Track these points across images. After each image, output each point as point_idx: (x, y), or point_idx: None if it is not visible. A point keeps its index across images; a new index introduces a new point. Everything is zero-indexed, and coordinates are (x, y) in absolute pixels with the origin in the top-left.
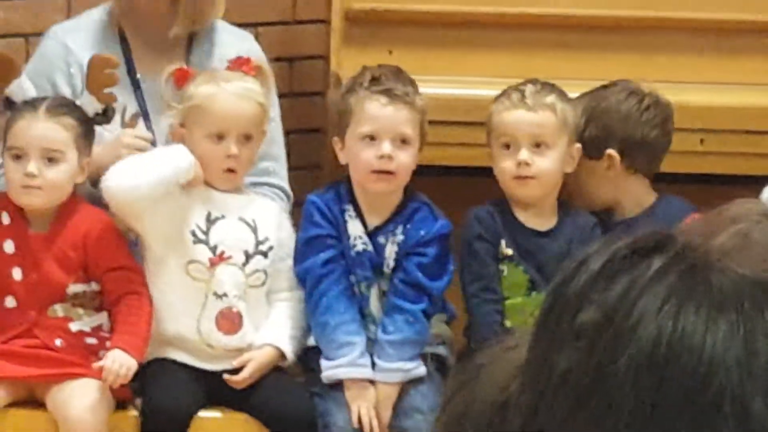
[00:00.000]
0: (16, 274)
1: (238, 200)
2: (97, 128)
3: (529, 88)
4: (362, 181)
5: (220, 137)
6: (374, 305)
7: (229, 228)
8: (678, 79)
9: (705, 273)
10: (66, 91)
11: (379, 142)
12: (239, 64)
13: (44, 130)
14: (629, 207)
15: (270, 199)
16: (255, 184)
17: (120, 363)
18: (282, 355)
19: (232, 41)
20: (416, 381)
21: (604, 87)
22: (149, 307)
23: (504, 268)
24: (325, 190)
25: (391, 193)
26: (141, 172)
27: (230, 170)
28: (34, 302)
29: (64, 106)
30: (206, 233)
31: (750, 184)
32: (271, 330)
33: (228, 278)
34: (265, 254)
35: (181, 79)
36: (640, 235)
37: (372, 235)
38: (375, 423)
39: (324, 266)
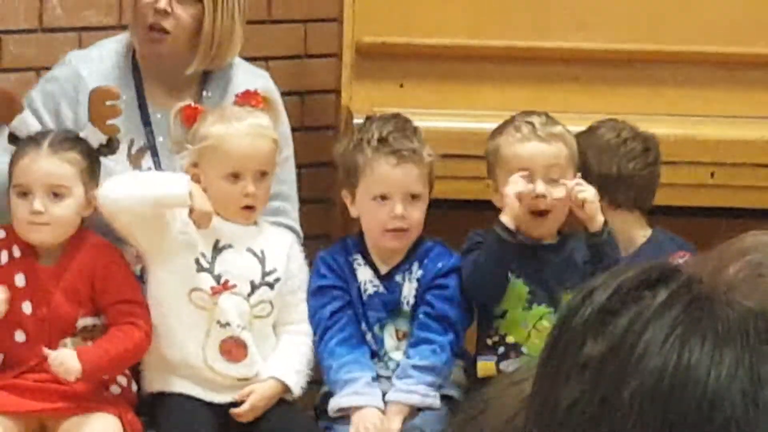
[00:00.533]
0: (26, 308)
1: (248, 231)
2: (102, 159)
3: (536, 120)
4: (376, 239)
5: (236, 176)
6: (390, 345)
7: (236, 258)
8: (688, 113)
9: (710, 305)
10: (68, 117)
11: (391, 202)
12: (247, 98)
13: (48, 166)
14: (621, 245)
15: (284, 230)
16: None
17: (64, 365)
18: (286, 389)
19: (247, 79)
20: (424, 411)
21: (589, 128)
22: (139, 339)
23: None
24: (333, 246)
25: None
26: (132, 186)
27: (248, 207)
28: (44, 336)
29: (67, 141)
30: (211, 262)
31: (761, 217)
32: (276, 363)
33: (232, 307)
34: (271, 285)
35: (191, 117)
36: (645, 267)
37: (386, 276)
38: None
39: (330, 317)
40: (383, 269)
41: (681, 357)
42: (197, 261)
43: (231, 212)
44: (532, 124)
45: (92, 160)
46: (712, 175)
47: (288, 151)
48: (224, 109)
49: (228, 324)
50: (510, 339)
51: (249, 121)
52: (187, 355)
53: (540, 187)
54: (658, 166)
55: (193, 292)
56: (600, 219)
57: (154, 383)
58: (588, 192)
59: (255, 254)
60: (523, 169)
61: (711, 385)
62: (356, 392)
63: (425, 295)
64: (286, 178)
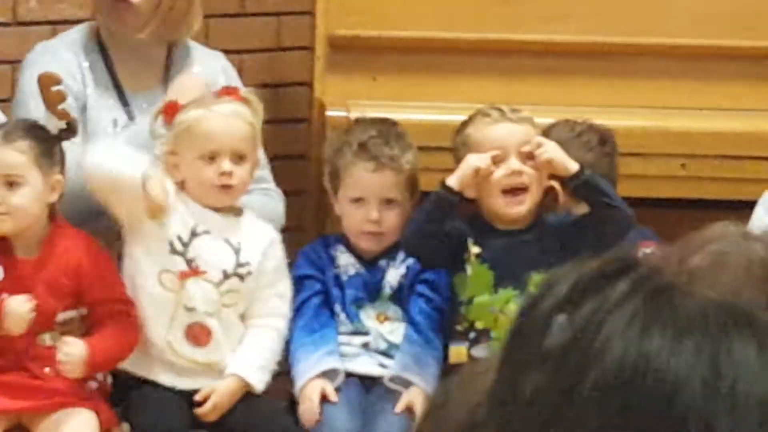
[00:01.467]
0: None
1: (229, 221)
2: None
3: (502, 107)
4: (353, 239)
5: (212, 157)
6: (366, 319)
7: (211, 245)
8: (659, 105)
9: (671, 295)
10: (71, 88)
11: (367, 206)
12: (228, 92)
13: (0, 156)
14: None
15: (267, 227)
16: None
17: (70, 364)
18: (248, 385)
19: (206, 59)
20: (392, 401)
21: (545, 129)
22: (135, 340)
23: (468, 267)
24: (315, 240)
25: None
26: (108, 158)
27: (224, 186)
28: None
29: (19, 130)
30: (186, 245)
31: (732, 209)
32: (239, 359)
33: (199, 293)
34: (242, 277)
35: (170, 112)
36: (607, 258)
37: (370, 261)
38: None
39: (299, 307)
40: (366, 257)
41: (641, 347)
42: (171, 243)
43: (208, 194)
44: (500, 109)
45: (50, 146)
46: (683, 166)
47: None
48: (202, 97)
49: (194, 309)
50: (479, 325)
51: (226, 105)
52: (153, 335)
53: (515, 163)
54: (615, 157)
55: (162, 274)
56: (573, 164)
57: (127, 364)
58: (548, 148)
59: (231, 245)
60: (495, 149)
61: (671, 374)
62: (304, 370)
63: (416, 286)
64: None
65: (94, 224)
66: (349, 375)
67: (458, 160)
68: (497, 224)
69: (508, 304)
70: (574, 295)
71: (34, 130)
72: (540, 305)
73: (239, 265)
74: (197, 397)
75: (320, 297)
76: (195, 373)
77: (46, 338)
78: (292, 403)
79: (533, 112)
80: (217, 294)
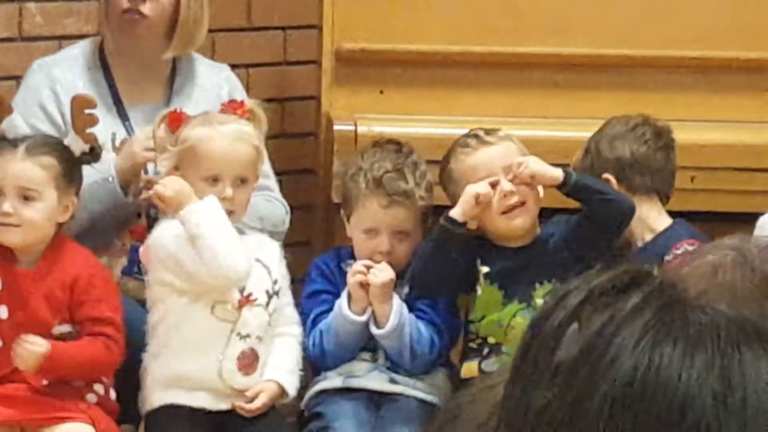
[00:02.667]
0: (2, 312)
1: (248, 242)
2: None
3: (478, 132)
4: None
5: (215, 180)
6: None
7: (253, 269)
8: (668, 117)
9: (682, 309)
10: (56, 116)
11: (378, 238)
12: (233, 107)
13: (20, 168)
14: (639, 231)
15: (268, 239)
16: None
17: (26, 351)
18: (284, 391)
19: (210, 70)
20: (401, 417)
21: (601, 126)
22: (105, 359)
23: (478, 288)
24: (326, 253)
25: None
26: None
27: (227, 212)
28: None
29: (45, 146)
30: None
31: (741, 221)
32: (275, 366)
33: (253, 319)
34: (278, 294)
35: (175, 122)
36: (618, 271)
37: None
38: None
39: (314, 321)
40: None
41: (652, 360)
42: None
43: None
44: (476, 136)
45: (70, 167)
46: (692, 179)
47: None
48: (208, 113)
49: (248, 336)
50: (491, 340)
51: (232, 125)
52: (202, 368)
53: (506, 185)
54: (672, 151)
55: (216, 306)
56: (556, 171)
57: (155, 399)
58: (528, 163)
59: (264, 265)
60: (482, 176)
61: (682, 388)
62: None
63: (415, 303)
64: (267, 172)
65: (100, 239)
66: (358, 390)
67: (451, 197)
68: (503, 243)
69: (515, 317)
70: (585, 308)
71: (60, 149)
72: (551, 318)
73: (274, 282)
74: (249, 393)
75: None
76: (227, 397)
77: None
78: (301, 419)
79: (540, 125)
80: (267, 316)
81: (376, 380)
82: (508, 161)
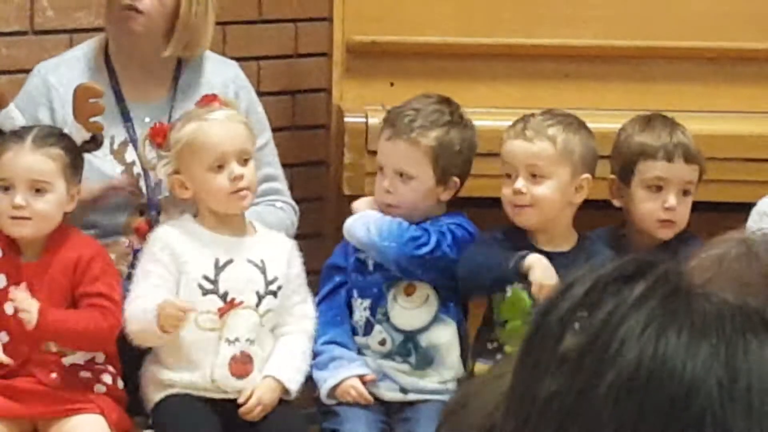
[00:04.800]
0: (8, 308)
1: (245, 242)
2: (86, 154)
3: (534, 119)
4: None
5: (220, 165)
6: (390, 305)
7: (239, 272)
8: (678, 108)
9: (687, 298)
10: (46, 121)
11: (382, 175)
12: (208, 101)
13: (31, 161)
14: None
15: (282, 236)
16: (263, 203)
17: (21, 309)
18: (284, 388)
19: (218, 68)
20: (421, 412)
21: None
22: (104, 328)
23: (508, 290)
24: (335, 250)
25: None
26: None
27: (238, 191)
28: (26, 337)
29: (51, 137)
30: (215, 282)
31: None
32: (274, 363)
33: (241, 323)
34: (275, 294)
35: (158, 135)
36: (623, 261)
37: None
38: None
39: (324, 298)
40: None
41: (657, 349)
42: (200, 286)
43: (223, 203)
44: (527, 122)
45: (75, 156)
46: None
47: (267, 134)
48: (189, 111)
49: (237, 340)
50: (507, 349)
51: (217, 111)
52: (195, 378)
53: (519, 183)
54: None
55: (199, 317)
56: (551, 282)
57: (156, 397)
58: (544, 280)
59: (256, 265)
60: (506, 165)
61: (687, 376)
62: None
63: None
64: (271, 161)
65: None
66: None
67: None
68: (539, 245)
69: None
70: (591, 297)
71: (65, 139)
72: (557, 307)
73: (269, 282)
74: (240, 399)
75: (342, 293)
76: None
77: (51, 345)
78: (318, 410)
79: None
80: (257, 317)
81: (387, 390)
82: (531, 162)
